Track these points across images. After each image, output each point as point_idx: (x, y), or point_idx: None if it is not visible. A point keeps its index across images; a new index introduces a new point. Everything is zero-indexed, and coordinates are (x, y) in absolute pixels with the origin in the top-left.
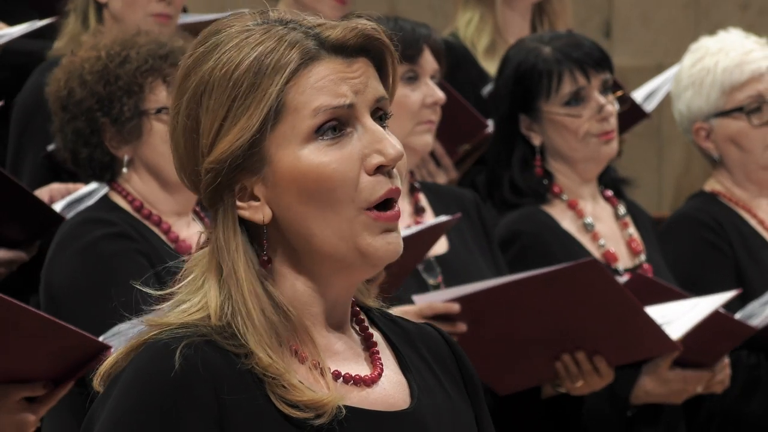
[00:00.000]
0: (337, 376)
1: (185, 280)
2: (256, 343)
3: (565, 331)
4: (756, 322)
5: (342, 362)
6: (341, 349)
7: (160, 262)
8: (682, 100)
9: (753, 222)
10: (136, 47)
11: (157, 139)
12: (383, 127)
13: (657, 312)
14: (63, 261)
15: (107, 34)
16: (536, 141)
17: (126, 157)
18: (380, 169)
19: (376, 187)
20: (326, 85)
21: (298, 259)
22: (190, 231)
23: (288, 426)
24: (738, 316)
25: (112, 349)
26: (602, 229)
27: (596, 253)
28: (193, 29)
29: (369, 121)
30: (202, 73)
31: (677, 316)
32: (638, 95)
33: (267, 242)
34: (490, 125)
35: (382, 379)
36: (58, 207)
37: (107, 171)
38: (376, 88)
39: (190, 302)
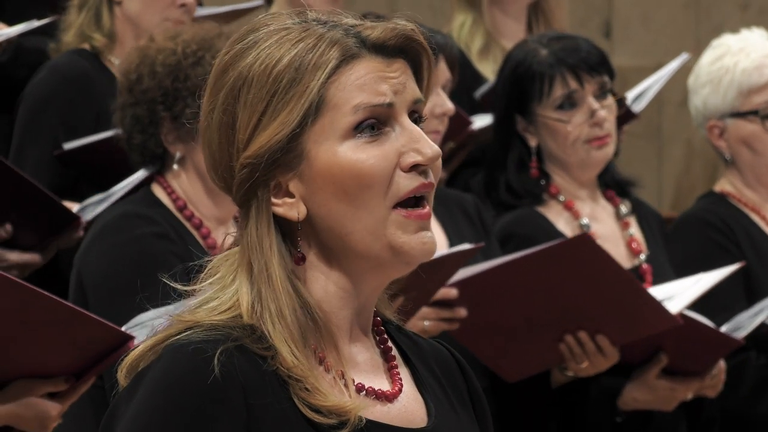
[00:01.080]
0: (360, 389)
1: (211, 278)
2: (283, 342)
3: (565, 311)
4: (742, 334)
5: (364, 375)
6: (363, 360)
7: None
8: (699, 96)
9: (762, 224)
10: (213, 50)
11: None
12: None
13: (659, 289)
14: (101, 251)
15: (188, 27)
16: (532, 142)
17: (178, 154)
18: (416, 168)
19: (407, 182)
20: (366, 83)
21: (330, 257)
22: (228, 239)
23: (312, 431)
24: (725, 328)
25: (136, 340)
26: (600, 230)
27: None
28: (225, 19)
29: (407, 121)
30: (241, 68)
31: (679, 292)
32: (628, 97)
33: (301, 240)
34: (475, 123)
35: (401, 395)
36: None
37: (157, 161)
38: (414, 90)
39: (219, 300)
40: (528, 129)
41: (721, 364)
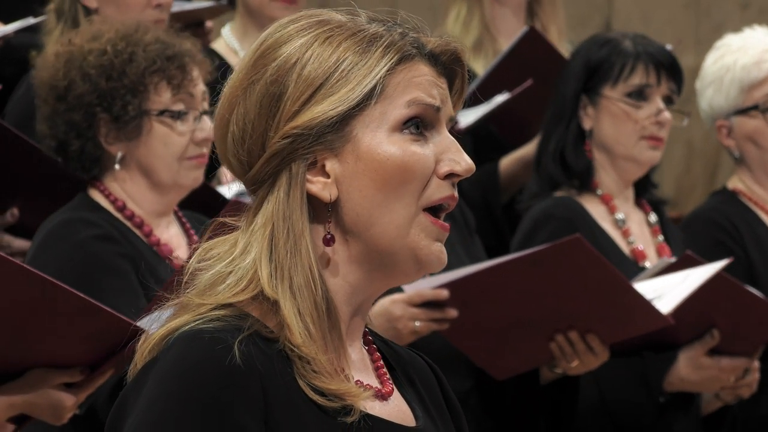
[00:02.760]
0: (359, 385)
1: (217, 249)
2: (297, 315)
3: (556, 311)
4: None
5: (359, 372)
6: (356, 359)
7: (143, 264)
8: (704, 97)
9: None
10: (142, 45)
11: (155, 140)
12: None
13: (649, 286)
14: (46, 261)
15: (105, 25)
16: (587, 125)
17: (120, 154)
18: (449, 177)
19: (441, 189)
20: (422, 83)
21: (347, 247)
22: (169, 232)
23: (319, 414)
24: None
25: (164, 318)
26: (633, 228)
27: (625, 249)
28: (186, 18)
29: (446, 131)
30: (299, 45)
31: (668, 290)
32: None
33: (330, 222)
34: (461, 122)
35: (392, 395)
36: None
37: (96, 165)
38: (451, 107)
39: (236, 274)
40: (587, 110)
41: (756, 363)
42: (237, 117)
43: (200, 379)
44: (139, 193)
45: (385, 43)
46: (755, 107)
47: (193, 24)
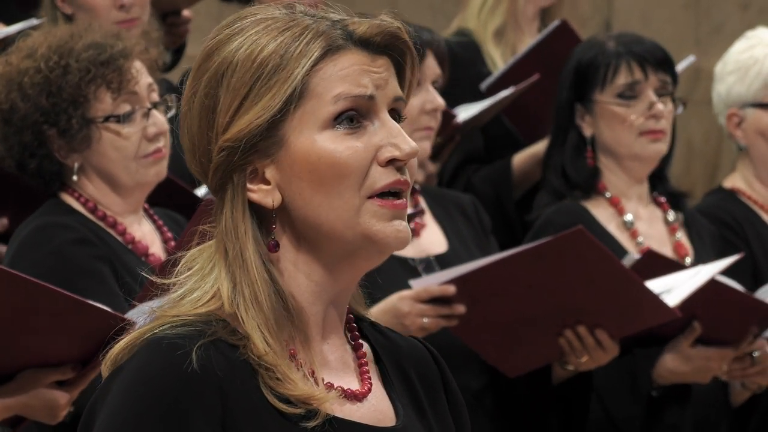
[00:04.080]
0: (329, 387)
1: (189, 271)
2: (256, 328)
3: (564, 306)
4: None
5: (333, 374)
6: (333, 359)
7: (121, 264)
8: (724, 83)
9: None
10: (75, 54)
11: (107, 146)
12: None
13: (658, 282)
14: (25, 268)
15: (39, 39)
16: (587, 132)
17: (76, 165)
18: (392, 163)
19: (383, 176)
20: (349, 74)
21: (304, 247)
22: (142, 229)
23: (281, 420)
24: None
25: (137, 326)
26: (644, 229)
27: (633, 250)
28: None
29: (386, 116)
30: (226, 53)
31: (677, 284)
32: None
33: (275, 227)
34: (459, 116)
35: (370, 395)
36: None
37: (57, 179)
38: (396, 88)
39: (201, 290)
40: (585, 118)
41: (766, 345)
42: (185, 130)
43: (157, 389)
44: (104, 196)
45: (306, 40)
46: None
47: (171, 12)
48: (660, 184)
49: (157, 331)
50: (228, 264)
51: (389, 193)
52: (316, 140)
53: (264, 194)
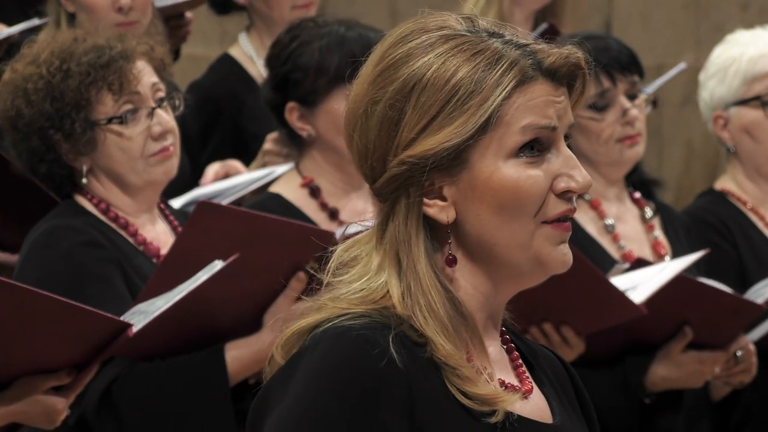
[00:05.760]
0: (501, 384)
1: (357, 266)
2: (436, 333)
3: (530, 304)
4: (761, 300)
5: (501, 372)
6: (497, 358)
7: (130, 266)
8: (706, 88)
9: (761, 225)
10: (76, 58)
11: (112, 148)
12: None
13: (626, 278)
14: (33, 271)
15: (43, 45)
16: None
17: (85, 168)
18: (566, 194)
19: (557, 205)
20: (537, 105)
21: (475, 262)
22: (156, 230)
23: (466, 416)
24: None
25: (134, 327)
26: (624, 231)
27: (616, 255)
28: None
29: (564, 146)
30: (416, 68)
31: (643, 281)
32: None
33: (450, 242)
34: None
35: (533, 393)
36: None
37: (68, 182)
38: (570, 115)
39: (368, 290)
40: None
41: (751, 347)
42: (360, 133)
43: (348, 378)
44: (114, 197)
45: (502, 69)
46: (756, 98)
47: (174, 16)
48: (633, 175)
49: (335, 321)
50: (400, 272)
51: (558, 219)
52: (501, 167)
53: (440, 210)
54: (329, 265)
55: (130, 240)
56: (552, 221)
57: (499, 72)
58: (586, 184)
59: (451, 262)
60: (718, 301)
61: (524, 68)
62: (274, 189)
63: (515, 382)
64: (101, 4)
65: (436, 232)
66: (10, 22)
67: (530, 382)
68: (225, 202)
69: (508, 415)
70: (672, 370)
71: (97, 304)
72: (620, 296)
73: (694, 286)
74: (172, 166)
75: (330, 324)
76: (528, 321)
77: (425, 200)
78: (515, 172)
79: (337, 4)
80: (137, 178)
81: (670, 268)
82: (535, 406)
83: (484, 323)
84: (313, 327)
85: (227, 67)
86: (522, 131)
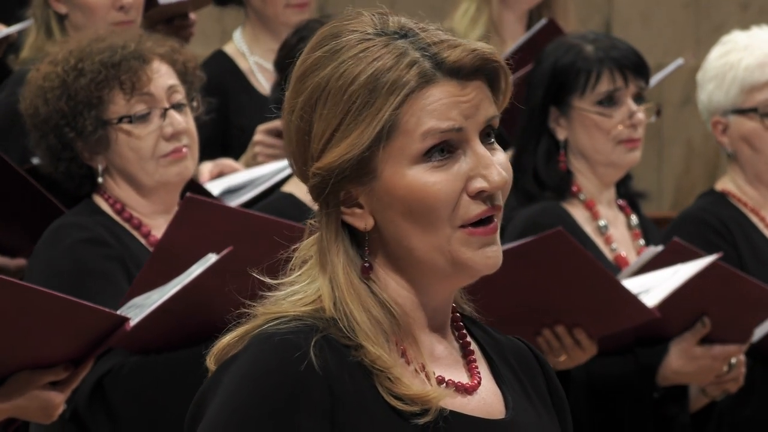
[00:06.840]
0: (440, 381)
1: (302, 269)
2: (362, 338)
3: (543, 306)
4: None
5: (443, 368)
6: (442, 354)
7: (136, 265)
8: (704, 90)
9: (761, 226)
10: (90, 57)
11: (124, 148)
12: (491, 143)
13: (638, 281)
14: (39, 267)
15: (64, 45)
16: (561, 135)
17: (100, 167)
18: (481, 194)
19: (472, 207)
20: (438, 108)
21: (398, 266)
22: None
23: (395, 418)
24: None
25: (131, 321)
26: (615, 234)
27: (609, 256)
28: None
29: (477, 145)
30: (319, 78)
31: (656, 284)
32: None
33: (369, 249)
34: None
35: (480, 388)
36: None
37: (87, 181)
38: (487, 110)
39: (304, 293)
40: (559, 122)
41: (741, 357)
42: (286, 142)
43: (269, 383)
44: (130, 197)
45: (398, 74)
46: (754, 110)
47: (178, 15)
48: (622, 185)
49: (266, 326)
50: (328, 278)
51: (479, 221)
52: (407, 174)
53: (357, 218)
54: (291, 263)
55: (142, 241)
56: (470, 224)
57: (393, 78)
58: (501, 181)
59: (367, 270)
60: (745, 291)
61: (423, 71)
62: (286, 188)
63: (462, 378)
64: (101, 4)
65: (361, 240)
66: (9, 23)
67: (479, 377)
68: (253, 192)
69: (441, 412)
70: (685, 363)
71: (99, 300)
72: (632, 299)
73: (727, 274)
74: (186, 167)
75: (261, 329)
76: (540, 323)
77: (343, 209)
78: (421, 177)
79: (337, 4)
80: (149, 179)
81: (683, 271)
82: (481, 401)
83: (426, 322)
84: (247, 333)
85: (219, 63)
86: (422, 137)
